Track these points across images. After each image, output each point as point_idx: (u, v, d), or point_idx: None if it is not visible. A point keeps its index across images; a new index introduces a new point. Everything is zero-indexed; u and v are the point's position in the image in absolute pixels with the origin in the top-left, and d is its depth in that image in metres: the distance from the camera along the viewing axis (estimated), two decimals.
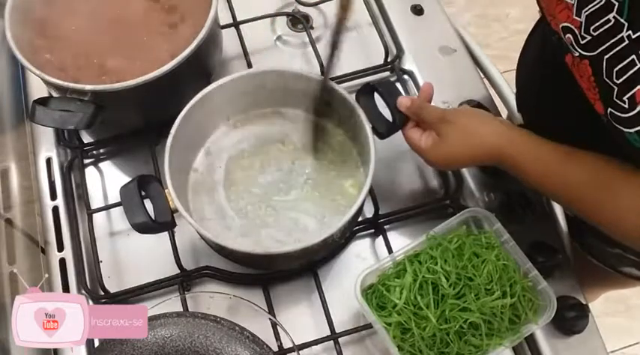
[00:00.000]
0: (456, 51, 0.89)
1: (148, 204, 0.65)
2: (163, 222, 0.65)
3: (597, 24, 0.52)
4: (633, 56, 0.49)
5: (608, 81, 0.52)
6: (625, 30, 0.50)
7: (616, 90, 0.51)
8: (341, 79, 0.85)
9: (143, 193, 0.66)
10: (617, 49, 0.50)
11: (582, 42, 0.54)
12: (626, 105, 0.50)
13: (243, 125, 0.80)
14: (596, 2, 0.52)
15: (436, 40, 0.90)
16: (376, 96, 0.72)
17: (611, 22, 0.51)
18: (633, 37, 0.49)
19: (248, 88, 0.75)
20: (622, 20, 0.50)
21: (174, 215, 0.66)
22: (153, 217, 0.65)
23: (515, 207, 0.75)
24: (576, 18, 0.54)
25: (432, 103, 0.83)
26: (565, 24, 0.56)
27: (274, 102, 0.79)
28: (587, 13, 0.53)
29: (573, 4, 0.54)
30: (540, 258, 0.71)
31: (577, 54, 0.55)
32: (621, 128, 0.52)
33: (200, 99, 0.72)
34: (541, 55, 0.73)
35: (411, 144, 0.69)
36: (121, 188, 0.65)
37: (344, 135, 0.78)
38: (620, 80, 0.50)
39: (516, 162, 0.62)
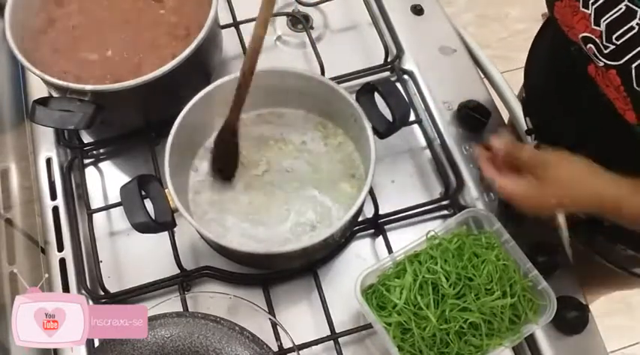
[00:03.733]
0: (456, 51, 0.89)
1: (148, 203, 0.65)
2: (164, 222, 0.65)
3: (620, 32, 0.51)
4: None
5: (639, 90, 0.50)
6: None
7: None
8: (341, 79, 0.85)
9: (143, 193, 0.66)
10: None
11: (605, 51, 0.53)
12: None
13: (244, 125, 0.79)
14: (615, 10, 0.51)
15: (436, 40, 0.90)
16: (376, 95, 0.72)
17: (635, 29, 0.50)
18: None
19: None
20: None
21: (175, 215, 0.66)
22: (153, 217, 0.65)
23: (516, 207, 0.75)
24: (596, 27, 0.53)
25: (433, 104, 0.84)
26: (585, 34, 0.55)
27: (274, 103, 0.79)
28: (606, 22, 0.52)
29: (590, 14, 0.53)
30: (540, 258, 0.71)
31: (601, 64, 0.54)
32: None
33: (201, 99, 0.72)
34: (552, 63, 0.72)
35: (502, 191, 0.64)
36: (121, 188, 0.65)
37: (344, 135, 0.78)
38: None
39: (619, 209, 0.58)
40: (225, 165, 0.75)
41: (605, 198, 0.58)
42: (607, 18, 0.52)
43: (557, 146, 0.61)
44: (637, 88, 0.50)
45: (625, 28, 0.50)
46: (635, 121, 0.52)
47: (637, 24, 0.50)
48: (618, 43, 0.51)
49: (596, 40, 0.53)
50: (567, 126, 0.71)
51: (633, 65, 0.50)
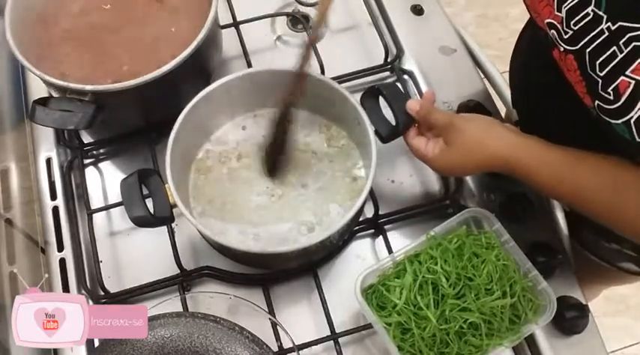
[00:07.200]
0: (456, 51, 0.89)
1: (148, 202, 0.65)
2: (162, 217, 0.65)
3: (577, 18, 0.53)
4: (614, 47, 0.50)
5: (592, 74, 0.52)
6: (604, 22, 0.51)
7: (601, 83, 0.52)
8: (341, 79, 0.85)
9: (145, 192, 0.66)
10: (598, 41, 0.51)
11: (565, 37, 0.55)
12: (612, 97, 0.51)
13: (247, 124, 0.80)
14: None
15: (436, 40, 0.90)
16: (381, 99, 0.72)
17: (590, 16, 0.52)
18: (612, 28, 0.50)
19: (250, 87, 0.75)
20: (600, 13, 0.51)
21: (175, 211, 0.66)
22: (152, 212, 0.65)
23: (516, 207, 0.75)
24: (558, 14, 0.55)
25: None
26: (549, 20, 0.57)
27: (276, 102, 0.79)
28: (566, 8, 0.54)
29: (554, 0, 0.55)
30: (540, 257, 0.71)
31: (562, 49, 0.56)
32: (609, 120, 0.52)
33: (201, 99, 0.72)
34: (531, 51, 0.74)
35: (415, 153, 0.69)
36: (121, 181, 0.65)
37: (348, 138, 0.78)
38: (604, 72, 0.51)
39: (526, 171, 0.62)
40: (279, 157, 0.73)
41: (501, 159, 0.62)
42: (567, 4, 0.54)
43: (542, 135, 0.62)
44: (590, 71, 0.53)
45: (582, 14, 0.53)
46: (591, 105, 0.54)
47: (592, 10, 0.52)
48: (575, 28, 0.53)
49: (558, 25, 0.56)
50: (547, 114, 0.72)
51: (587, 50, 0.52)
